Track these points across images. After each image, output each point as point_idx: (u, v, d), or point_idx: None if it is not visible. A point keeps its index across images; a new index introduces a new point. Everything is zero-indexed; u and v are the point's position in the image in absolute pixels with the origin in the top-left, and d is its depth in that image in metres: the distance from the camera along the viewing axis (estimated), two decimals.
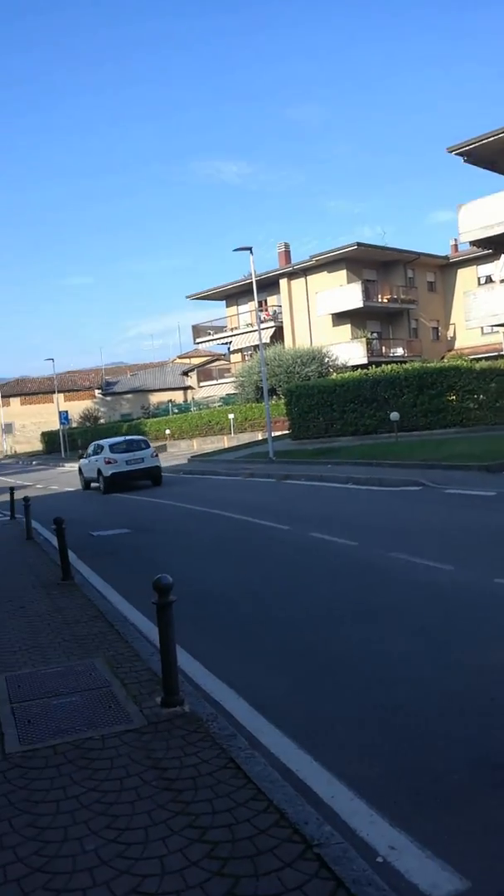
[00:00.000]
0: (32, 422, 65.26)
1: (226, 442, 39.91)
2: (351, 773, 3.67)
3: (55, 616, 6.91)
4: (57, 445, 51.21)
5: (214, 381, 54.61)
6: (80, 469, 25.01)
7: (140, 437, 24.59)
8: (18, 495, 15.97)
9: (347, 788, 3.54)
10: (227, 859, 2.88)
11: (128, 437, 24.42)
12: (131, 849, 2.98)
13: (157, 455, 22.87)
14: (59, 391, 58.84)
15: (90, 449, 24.14)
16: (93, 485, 23.37)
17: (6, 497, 17.38)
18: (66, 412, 51.55)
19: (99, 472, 21.99)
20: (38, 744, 4.02)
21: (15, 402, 66.74)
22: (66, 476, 32.08)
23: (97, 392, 65.85)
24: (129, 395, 65.37)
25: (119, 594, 7.99)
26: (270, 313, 46.83)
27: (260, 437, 35.39)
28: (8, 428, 66.19)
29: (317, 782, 3.64)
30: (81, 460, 25.11)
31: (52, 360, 53.99)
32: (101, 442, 23.44)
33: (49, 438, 56.45)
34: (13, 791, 3.52)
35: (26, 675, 5.20)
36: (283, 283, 44.52)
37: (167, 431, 46.34)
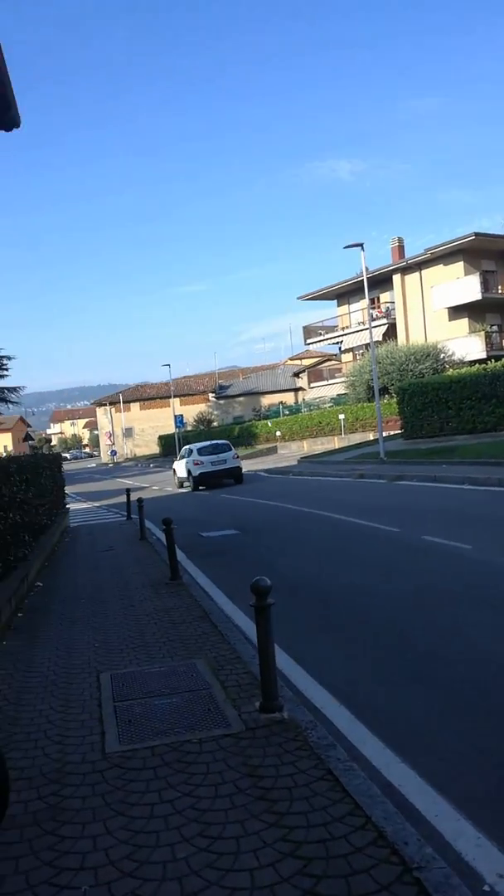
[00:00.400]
0: (150, 426, 67.50)
1: (336, 443, 39.53)
2: (458, 793, 3.43)
3: (162, 615, 7.01)
4: (172, 448, 52.60)
5: (325, 382, 54.23)
6: (174, 470, 27.99)
7: (224, 442, 27.58)
8: (135, 497, 16.35)
9: (453, 808, 3.32)
10: (320, 877, 2.75)
11: (213, 442, 27.42)
12: (222, 859, 2.91)
13: (238, 457, 25.86)
14: (175, 395, 60.45)
15: (183, 452, 27.36)
16: (185, 484, 25.98)
17: (124, 498, 17.94)
18: (182, 416, 52.88)
19: (189, 472, 25.08)
20: (137, 744, 4.05)
21: (135, 406, 69.31)
22: None
23: (211, 396, 67.17)
24: (241, 398, 66.20)
25: (225, 595, 8.01)
26: (383, 310, 45.90)
27: (371, 437, 34.77)
28: (128, 432, 68.80)
29: (420, 799, 3.44)
30: (175, 463, 28.21)
31: (169, 365, 55.41)
32: (191, 446, 26.37)
33: (165, 441, 58.13)
34: (110, 791, 3.54)
35: (130, 674, 5.28)
36: (396, 278, 43.51)
37: (278, 433, 46.51)
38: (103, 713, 4.56)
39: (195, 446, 26.03)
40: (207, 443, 26.94)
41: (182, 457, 26.77)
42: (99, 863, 2.95)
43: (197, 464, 24.67)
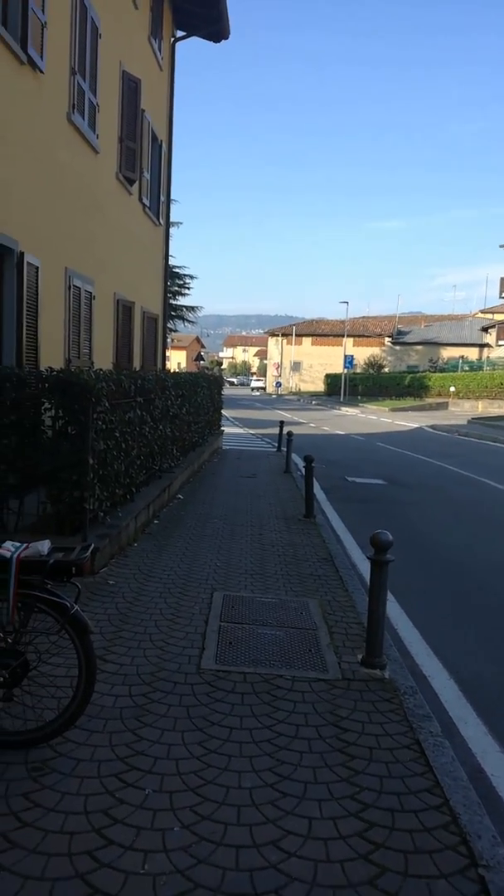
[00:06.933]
0: (319, 362, 67.17)
1: None
2: None
3: (287, 550, 7.01)
4: (337, 388, 52.13)
5: None
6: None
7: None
8: (296, 431, 16.28)
9: None
10: (378, 846, 2.64)
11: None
12: (285, 800, 2.87)
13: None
14: (349, 335, 59.47)
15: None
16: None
17: (278, 430, 18.05)
18: (352, 357, 51.99)
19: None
20: (232, 667, 4.08)
21: (307, 341, 69.11)
22: (339, 419, 32.60)
23: (387, 340, 65.39)
24: (419, 347, 63.92)
25: (356, 542, 7.86)
26: None
27: None
28: (296, 366, 69.01)
29: None
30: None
31: (347, 303, 54.46)
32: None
33: (331, 381, 57.61)
34: (195, 706, 3.60)
35: (242, 599, 5.33)
36: None
37: (452, 389, 44.56)
38: (208, 630, 4.65)
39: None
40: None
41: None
42: (167, 771, 3.02)
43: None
